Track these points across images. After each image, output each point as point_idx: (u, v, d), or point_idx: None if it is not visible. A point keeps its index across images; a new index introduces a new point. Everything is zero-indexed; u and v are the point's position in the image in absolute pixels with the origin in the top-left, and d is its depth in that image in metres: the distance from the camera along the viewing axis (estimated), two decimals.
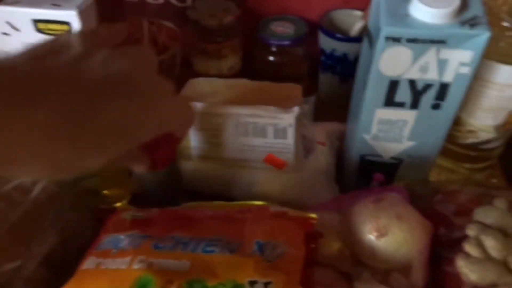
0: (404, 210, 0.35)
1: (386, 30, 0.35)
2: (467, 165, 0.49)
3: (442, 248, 0.38)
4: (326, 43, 0.60)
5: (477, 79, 0.42)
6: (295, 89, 0.47)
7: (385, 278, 0.35)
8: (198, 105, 0.43)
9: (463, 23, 0.35)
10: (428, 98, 0.39)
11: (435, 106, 0.39)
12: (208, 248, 0.29)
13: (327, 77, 0.64)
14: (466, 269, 0.33)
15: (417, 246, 0.34)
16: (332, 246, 0.38)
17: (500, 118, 0.43)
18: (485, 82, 0.41)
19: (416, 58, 0.36)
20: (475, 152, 0.47)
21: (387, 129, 0.42)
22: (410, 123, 0.41)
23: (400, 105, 0.40)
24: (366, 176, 0.47)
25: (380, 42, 0.36)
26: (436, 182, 0.45)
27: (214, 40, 0.60)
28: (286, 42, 0.60)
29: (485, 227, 0.35)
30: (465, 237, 0.36)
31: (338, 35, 0.58)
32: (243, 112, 0.43)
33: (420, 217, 0.35)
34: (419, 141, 0.42)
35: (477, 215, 0.37)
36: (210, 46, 0.60)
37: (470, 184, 0.43)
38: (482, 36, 0.34)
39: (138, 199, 0.41)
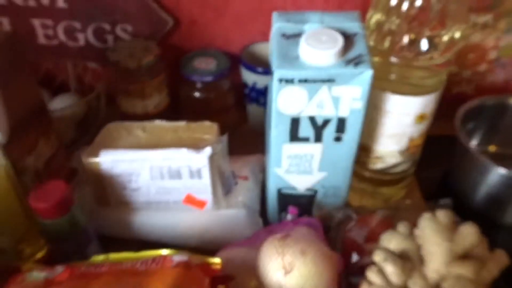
0: (309, 245, 0.36)
1: (278, 72, 0.37)
2: (384, 189, 0.52)
3: (355, 275, 0.40)
4: (247, 76, 0.62)
5: (377, 109, 0.44)
6: (210, 128, 0.48)
7: None
8: (110, 153, 0.43)
9: (348, 62, 0.37)
10: (329, 132, 0.41)
11: (337, 139, 0.41)
12: None
13: (254, 107, 0.65)
14: None
15: (323, 280, 0.35)
16: (249, 284, 0.38)
17: (402, 143, 0.46)
18: (384, 112, 0.44)
19: (311, 96, 0.38)
20: (387, 176, 0.50)
21: (297, 163, 0.43)
22: (317, 156, 0.43)
23: (305, 140, 0.41)
24: (285, 208, 0.48)
25: (275, 83, 0.37)
26: (352, 207, 0.46)
27: (136, 80, 0.60)
28: (209, 78, 0.61)
29: (388, 253, 0.36)
30: (372, 263, 0.38)
31: (258, 69, 0.60)
32: (156, 156, 0.43)
33: (326, 250, 0.37)
34: (329, 172, 0.44)
35: (382, 241, 0.39)
36: (133, 87, 0.60)
37: (381, 208, 0.45)
38: (366, 73, 0.36)
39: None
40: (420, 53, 0.40)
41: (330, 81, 0.37)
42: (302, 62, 0.37)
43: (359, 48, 0.38)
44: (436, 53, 0.40)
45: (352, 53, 0.38)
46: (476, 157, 0.51)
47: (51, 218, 0.39)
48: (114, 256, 0.35)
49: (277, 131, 0.41)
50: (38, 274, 0.33)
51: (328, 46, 0.36)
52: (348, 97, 0.38)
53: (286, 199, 0.47)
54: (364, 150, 0.47)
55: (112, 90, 0.63)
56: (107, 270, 0.33)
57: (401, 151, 0.46)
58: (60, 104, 0.60)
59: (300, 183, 0.45)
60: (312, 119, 0.40)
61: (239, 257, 0.39)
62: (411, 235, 0.38)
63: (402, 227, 0.39)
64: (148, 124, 0.49)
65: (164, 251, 0.34)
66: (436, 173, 0.60)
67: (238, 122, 0.69)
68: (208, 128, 0.48)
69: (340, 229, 0.44)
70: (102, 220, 0.47)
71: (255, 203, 0.50)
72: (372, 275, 0.35)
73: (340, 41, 0.37)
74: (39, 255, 0.42)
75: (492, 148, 0.61)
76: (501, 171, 0.49)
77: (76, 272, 0.33)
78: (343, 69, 0.36)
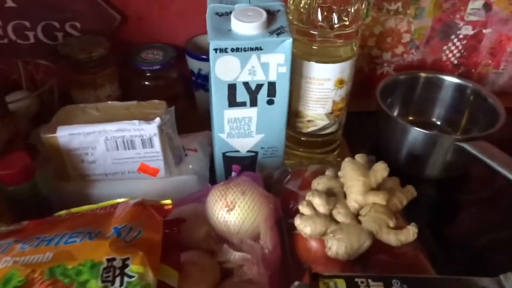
0: (248, 187, 0.42)
1: (213, 43, 0.43)
2: (318, 151, 0.59)
3: (292, 217, 0.46)
4: (192, 64, 0.68)
5: (303, 77, 0.51)
6: (160, 104, 0.53)
7: (240, 246, 0.41)
8: (67, 128, 0.47)
9: (272, 33, 0.44)
10: (262, 96, 0.47)
11: (270, 102, 0.48)
12: (70, 240, 0.33)
13: (201, 94, 0.71)
14: (301, 226, 0.41)
15: (261, 215, 0.41)
16: (200, 231, 0.44)
17: (328, 107, 0.53)
18: (308, 79, 0.51)
19: (243, 64, 0.45)
20: (320, 138, 0.57)
21: (237, 127, 0.49)
22: (254, 119, 0.49)
23: (242, 104, 0.48)
24: (230, 170, 0.54)
25: (211, 53, 0.43)
26: (289, 166, 0.53)
27: (87, 71, 0.64)
28: (157, 67, 0.66)
29: (315, 191, 0.43)
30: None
31: (201, 56, 0.66)
32: (110, 128, 0.48)
33: (263, 191, 0.43)
34: (266, 134, 0.50)
35: (313, 184, 0.46)
36: (84, 78, 0.65)
37: (313, 164, 0.52)
38: (287, 41, 0.43)
39: None
40: (332, 25, 0.48)
41: (258, 49, 0.44)
42: (233, 34, 0.44)
43: (281, 21, 0.45)
44: (344, 24, 0.48)
45: (275, 26, 0.45)
46: (396, 121, 0.60)
47: (15, 185, 0.43)
48: (75, 209, 0.39)
49: (216, 98, 0.47)
50: (6, 228, 0.37)
51: (254, 20, 0.43)
52: (274, 63, 0.45)
53: (231, 161, 0.52)
54: (297, 115, 0.54)
55: (65, 85, 0.66)
56: (69, 218, 0.37)
57: (327, 113, 0.54)
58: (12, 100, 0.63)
59: (242, 146, 0.51)
60: (246, 85, 0.46)
61: (188, 210, 0.45)
62: (336, 177, 0.45)
63: (328, 171, 0.46)
64: (101, 104, 0.53)
65: (121, 199, 0.39)
66: (364, 142, 0.68)
67: (188, 109, 0.74)
68: (157, 105, 0.53)
69: (278, 183, 0.50)
70: (63, 195, 0.50)
71: (205, 171, 0.55)
72: (303, 208, 0.41)
73: (264, 15, 0.44)
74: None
75: (410, 118, 0.70)
76: (418, 130, 0.57)
77: (41, 221, 0.37)
78: (268, 38, 0.43)
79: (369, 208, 0.42)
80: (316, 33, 0.49)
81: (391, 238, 0.40)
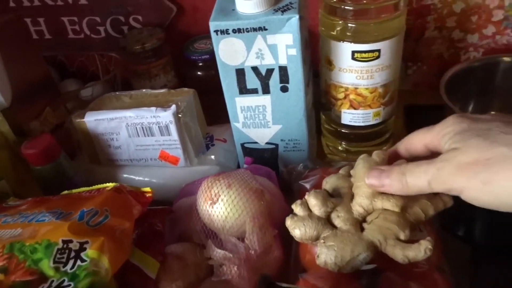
0: (236, 180, 0.38)
1: (213, 24, 0.40)
2: (363, 144, 0.52)
3: None
4: None
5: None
6: (187, 92, 0.52)
7: (225, 244, 0.38)
8: (94, 113, 0.50)
9: (276, 10, 0.39)
10: (275, 82, 0.43)
11: (284, 89, 0.43)
12: (41, 218, 0.34)
13: None
14: (290, 227, 0.36)
15: (248, 211, 0.37)
16: (196, 224, 0.42)
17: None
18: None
19: (249, 46, 0.41)
20: (362, 130, 0.50)
21: (251, 116, 0.46)
22: (269, 108, 0.45)
23: (254, 91, 0.44)
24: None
25: (213, 36, 0.41)
26: (313, 160, 0.47)
27: (141, 62, 0.67)
28: (206, 56, 0.65)
29: (316, 191, 0.37)
30: None
31: None
32: (129, 115, 0.49)
33: (256, 186, 0.39)
34: (284, 124, 0.46)
35: (323, 183, 0.40)
36: (139, 68, 0.67)
37: (340, 161, 0.46)
38: (293, 18, 0.38)
39: None
40: None
41: (262, 29, 0.39)
42: (236, 14, 0.40)
43: None
44: None
45: (283, 3, 0.40)
46: None
47: (40, 165, 0.46)
48: (75, 190, 0.41)
49: (225, 84, 0.44)
50: (13, 202, 0.40)
51: None
52: (283, 45, 0.40)
53: (250, 153, 0.49)
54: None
55: (126, 74, 0.70)
56: (59, 197, 0.39)
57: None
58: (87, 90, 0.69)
59: (259, 137, 0.47)
60: (255, 69, 0.42)
61: (189, 201, 0.43)
62: (349, 176, 0.39)
63: (343, 170, 0.40)
64: (135, 92, 0.55)
65: (110, 184, 0.39)
66: None
67: None
68: (185, 93, 0.52)
69: (297, 180, 0.45)
70: (95, 177, 0.53)
71: (231, 162, 0.53)
72: (296, 208, 0.36)
73: None
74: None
75: (492, 113, 0.57)
76: None
77: (37, 200, 0.39)
78: (271, 16, 0.39)
79: (377, 214, 0.35)
80: (352, 8, 0.42)
81: (397, 252, 0.33)
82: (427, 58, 0.66)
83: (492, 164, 0.26)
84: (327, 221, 0.35)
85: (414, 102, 0.63)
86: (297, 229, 0.35)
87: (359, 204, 0.35)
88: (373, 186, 0.34)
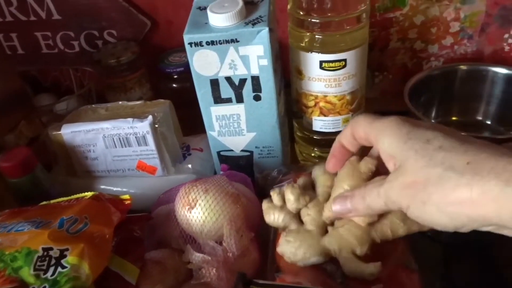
0: (213, 185, 0.40)
1: (187, 37, 0.42)
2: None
3: None
4: None
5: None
6: (163, 103, 0.54)
7: (204, 248, 0.39)
8: (70, 125, 0.50)
9: (247, 23, 0.41)
10: (248, 91, 0.45)
11: (256, 98, 0.45)
12: (20, 228, 0.35)
13: None
14: (265, 211, 0.37)
15: (224, 215, 0.38)
16: (175, 229, 0.43)
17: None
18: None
19: (222, 57, 0.43)
20: (334, 136, 0.52)
21: (226, 124, 0.47)
22: (243, 116, 0.47)
23: (228, 100, 0.46)
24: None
25: (187, 48, 0.43)
26: (287, 166, 0.49)
27: (117, 75, 0.68)
28: (181, 69, 0.67)
29: (293, 185, 0.38)
30: None
31: None
32: (106, 126, 0.49)
33: (232, 191, 0.40)
34: (258, 132, 0.48)
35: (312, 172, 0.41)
36: (114, 81, 0.68)
37: (314, 164, 0.48)
38: (263, 31, 0.41)
39: None
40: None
41: (234, 41, 0.41)
42: (209, 27, 0.42)
43: (261, 12, 0.42)
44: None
45: (254, 16, 0.42)
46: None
47: (16, 177, 0.46)
48: (53, 200, 0.41)
49: (201, 94, 0.46)
50: None
51: (229, 10, 0.41)
52: (254, 56, 0.42)
53: (226, 160, 0.51)
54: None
55: (101, 88, 0.71)
56: (38, 207, 0.39)
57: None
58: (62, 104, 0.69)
59: (235, 145, 0.49)
60: (229, 79, 0.44)
61: (168, 208, 0.44)
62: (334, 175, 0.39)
63: (317, 169, 0.41)
64: (111, 104, 0.56)
65: (88, 193, 0.40)
66: None
67: None
68: (160, 103, 0.54)
69: (272, 185, 0.47)
70: (72, 188, 0.53)
71: (208, 171, 0.54)
72: (274, 195, 0.37)
73: (239, 4, 0.41)
74: None
75: (453, 118, 0.61)
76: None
77: (16, 211, 0.40)
78: (242, 29, 0.41)
79: (343, 223, 0.36)
80: (318, 20, 0.45)
81: (346, 265, 0.34)
82: (392, 67, 0.69)
83: (428, 184, 0.26)
84: (297, 216, 0.37)
85: (381, 109, 0.66)
86: (268, 215, 0.37)
87: (329, 209, 0.36)
88: (340, 214, 0.34)
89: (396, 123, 0.29)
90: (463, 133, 0.29)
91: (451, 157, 0.26)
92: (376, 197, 0.30)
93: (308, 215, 0.37)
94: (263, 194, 0.47)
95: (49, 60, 0.76)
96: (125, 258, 0.38)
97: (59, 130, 0.51)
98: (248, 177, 0.46)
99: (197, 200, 0.39)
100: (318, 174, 0.40)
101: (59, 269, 0.32)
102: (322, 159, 0.55)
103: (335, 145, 0.36)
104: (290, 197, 0.37)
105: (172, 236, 0.42)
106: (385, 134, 0.30)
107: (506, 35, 0.65)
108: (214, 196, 0.39)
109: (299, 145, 0.57)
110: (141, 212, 0.44)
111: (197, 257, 0.38)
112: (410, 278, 0.36)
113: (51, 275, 0.31)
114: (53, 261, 0.32)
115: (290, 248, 0.34)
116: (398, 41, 0.67)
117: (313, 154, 0.56)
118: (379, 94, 0.72)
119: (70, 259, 0.32)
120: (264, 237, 0.44)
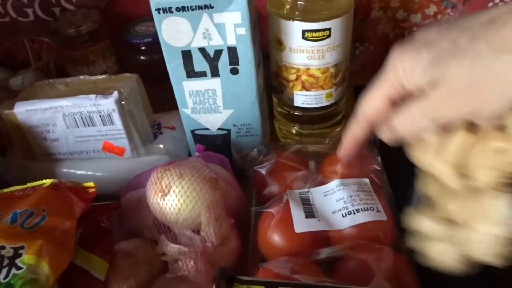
0: (187, 169, 0.36)
1: (154, 2, 0.37)
2: (317, 126, 0.51)
3: (261, 204, 0.40)
4: None
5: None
6: (130, 78, 0.49)
7: (180, 238, 0.35)
8: (25, 103, 0.45)
9: None
10: (224, 64, 0.41)
11: (234, 71, 0.41)
12: None
13: None
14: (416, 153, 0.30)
15: (202, 202, 0.35)
16: (147, 218, 0.39)
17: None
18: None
19: (194, 26, 0.38)
20: (315, 112, 0.49)
21: (201, 101, 0.43)
22: (219, 91, 0.43)
23: (202, 74, 0.41)
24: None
25: (155, 15, 0.38)
26: (267, 145, 0.46)
27: (77, 47, 0.62)
28: (148, 40, 0.61)
29: None
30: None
31: None
32: (66, 104, 0.44)
33: (209, 175, 0.36)
34: (236, 109, 0.44)
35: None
36: (75, 53, 0.62)
37: (294, 144, 0.45)
38: None
39: None
40: None
41: (208, 7, 0.37)
42: None
43: None
44: None
45: None
46: None
47: None
48: (6, 189, 0.37)
49: (171, 68, 0.41)
50: None
51: None
52: (231, 24, 0.38)
53: (201, 140, 0.47)
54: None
55: (61, 61, 0.65)
56: None
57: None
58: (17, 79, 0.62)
59: (211, 123, 0.45)
60: (203, 51, 0.40)
61: (138, 194, 0.40)
62: None
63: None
64: (71, 79, 0.50)
65: (46, 181, 0.35)
66: None
67: None
68: (127, 78, 0.49)
69: (252, 166, 0.44)
70: (29, 174, 0.48)
71: (182, 151, 0.50)
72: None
73: None
74: None
75: None
76: None
77: None
78: None
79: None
80: None
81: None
82: (373, 38, 0.66)
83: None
84: None
85: (363, 83, 0.63)
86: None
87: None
88: None
89: (410, 52, 0.26)
90: None
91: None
92: None
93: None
94: (242, 175, 0.44)
95: (0, 30, 0.68)
96: (91, 252, 0.34)
97: (12, 108, 0.45)
98: (226, 157, 0.43)
99: (171, 186, 0.35)
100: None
101: (13, 270, 0.28)
102: (303, 137, 0.52)
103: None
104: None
105: (144, 225, 0.38)
106: (414, 68, 0.26)
107: (490, 4, 0.62)
108: (190, 181, 0.35)
109: (279, 122, 0.53)
110: (109, 197, 0.40)
111: (172, 248, 0.34)
112: (400, 259, 0.34)
113: (4, 278, 0.27)
114: (6, 262, 0.28)
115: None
116: (380, 10, 0.64)
117: (293, 131, 0.52)
118: (360, 67, 0.69)
119: (26, 258, 0.28)
120: (244, 222, 0.41)
